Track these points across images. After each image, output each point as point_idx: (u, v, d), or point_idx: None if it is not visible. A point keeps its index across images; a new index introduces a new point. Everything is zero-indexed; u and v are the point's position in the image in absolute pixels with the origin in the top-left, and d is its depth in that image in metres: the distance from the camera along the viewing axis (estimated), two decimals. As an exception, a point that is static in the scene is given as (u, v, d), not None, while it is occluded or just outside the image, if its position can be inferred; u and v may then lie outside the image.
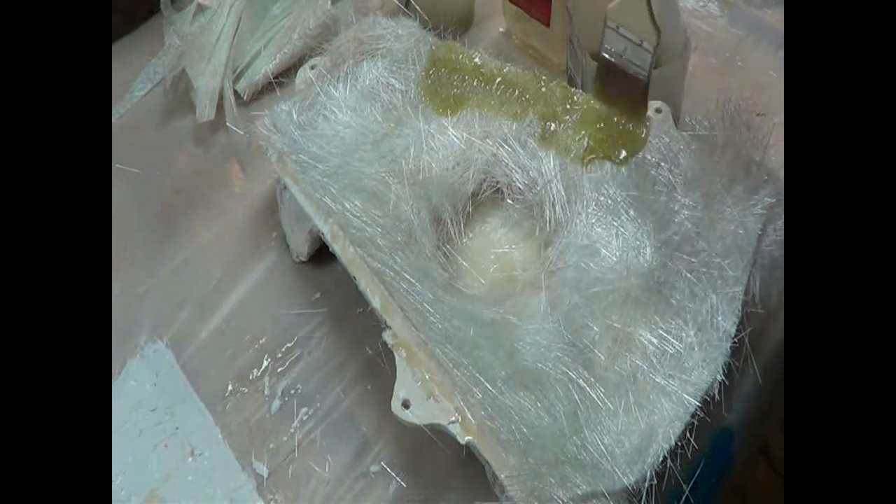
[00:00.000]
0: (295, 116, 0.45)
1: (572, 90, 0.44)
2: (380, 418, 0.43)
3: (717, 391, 0.34)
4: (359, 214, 0.41)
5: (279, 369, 0.46)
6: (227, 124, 0.56)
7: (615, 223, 0.39)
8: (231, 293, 0.50)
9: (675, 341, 0.35)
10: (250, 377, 0.46)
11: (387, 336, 0.38)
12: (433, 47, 0.48)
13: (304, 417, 0.44)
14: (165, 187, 0.56)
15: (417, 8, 0.53)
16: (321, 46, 0.51)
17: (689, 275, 0.37)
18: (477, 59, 0.46)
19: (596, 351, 0.35)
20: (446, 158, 0.43)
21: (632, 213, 0.39)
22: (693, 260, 0.37)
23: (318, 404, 0.44)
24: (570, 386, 0.34)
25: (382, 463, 0.42)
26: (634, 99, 0.42)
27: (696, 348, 0.35)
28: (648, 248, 0.38)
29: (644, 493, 0.32)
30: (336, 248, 0.42)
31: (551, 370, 0.35)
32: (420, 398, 0.36)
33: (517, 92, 0.45)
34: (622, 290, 0.36)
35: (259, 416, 0.44)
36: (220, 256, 0.51)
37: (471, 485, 0.40)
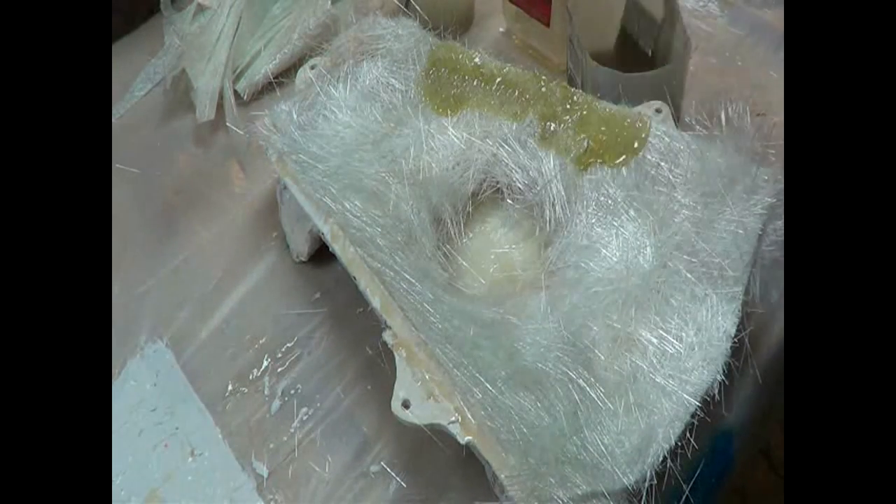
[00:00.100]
0: (295, 116, 0.45)
1: (572, 90, 0.44)
2: (380, 418, 0.43)
3: (717, 391, 0.34)
4: (359, 214, 0.41)
5: (279, 369, 0.46)
6: (227, 124, 0.56)
7: (615, 223, 0.39)
8: (231, 293, 0.50)
9: (674, 341, 0.35)
10: (250, 377, 0.46)
11: (387, 336, 0.38)
12: (433, 47, 0.48)
13: (304, 417, 0.44)
14: (165, 187, 0.56)
15: (417, 8, 0.53)
16: (321, 46, 0.51)
17: (689, 275, 0.37)
18: (477, 59, 0.46)
19: (596, 351, 0.35)
20: (446, 158, 0.43)
21: (632, 213, 0.39)
22: (693, 260, 0.37)
23: (318, 404, 0.44)
24: (570, 386, 0.34)
25: (382, 463, 0.42)
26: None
27: (696, 348, 0.35)
28: (648, 248, 0.38)
29: (644, 494, 0.32)
30: (336, 248, 0.42)
31: (551, 370, 0.34)
32: (420, 398, 0.36)
33: (517, 92, 0.45)
34: (622, 290, 0.36)
35: (259, 416, 0.44)
36: (220, 256, 0.51)
37: (471, 485, 0.40)
